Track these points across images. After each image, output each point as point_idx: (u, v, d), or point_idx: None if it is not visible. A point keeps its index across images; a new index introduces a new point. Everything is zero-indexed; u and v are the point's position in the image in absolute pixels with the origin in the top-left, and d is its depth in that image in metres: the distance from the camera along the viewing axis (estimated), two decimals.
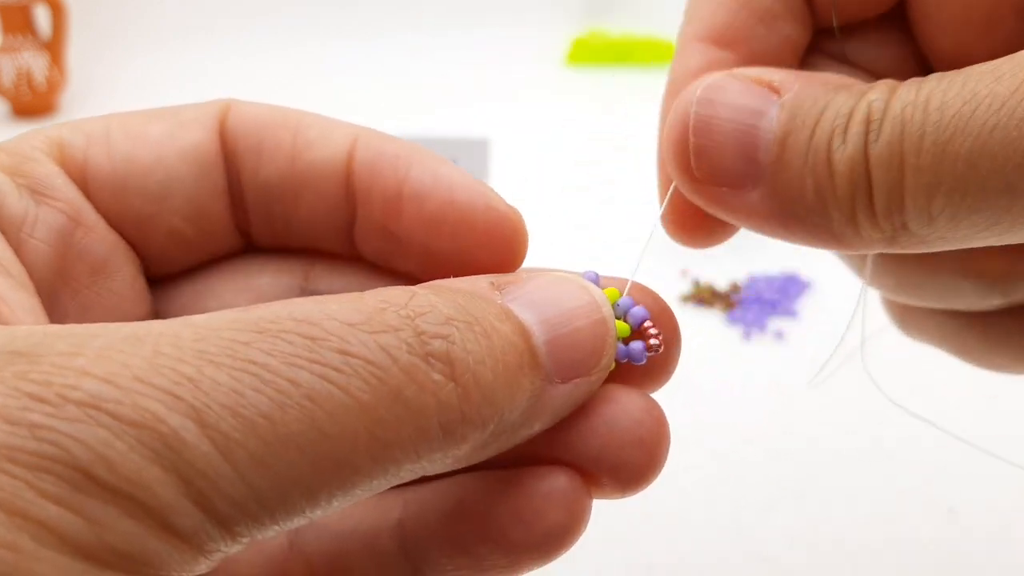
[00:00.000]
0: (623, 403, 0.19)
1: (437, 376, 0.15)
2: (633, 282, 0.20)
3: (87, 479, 0.13)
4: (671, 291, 0.55)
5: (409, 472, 0.16)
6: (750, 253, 0.57)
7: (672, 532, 0.37)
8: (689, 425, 0.44)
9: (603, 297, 0.19)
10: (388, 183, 0.21)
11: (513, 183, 0.65)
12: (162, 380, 0.14)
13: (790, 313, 0.53)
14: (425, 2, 0.95)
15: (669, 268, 0.57)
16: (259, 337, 0.14)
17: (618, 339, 0.19)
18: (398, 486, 0.19)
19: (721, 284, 0.55)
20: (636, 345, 0.19)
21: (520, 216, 0.21)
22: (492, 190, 0.21)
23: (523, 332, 0.17)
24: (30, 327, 0.15)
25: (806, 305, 0.54)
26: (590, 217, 0.63)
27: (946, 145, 0.18)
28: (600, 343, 0.18)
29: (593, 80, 0.88)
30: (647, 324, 0.19)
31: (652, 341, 0.19)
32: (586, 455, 0.19)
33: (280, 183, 0.21)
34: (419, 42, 0.92)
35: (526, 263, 0.22)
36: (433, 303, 0.16)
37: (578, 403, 0.19)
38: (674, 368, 0.21)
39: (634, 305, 0.20)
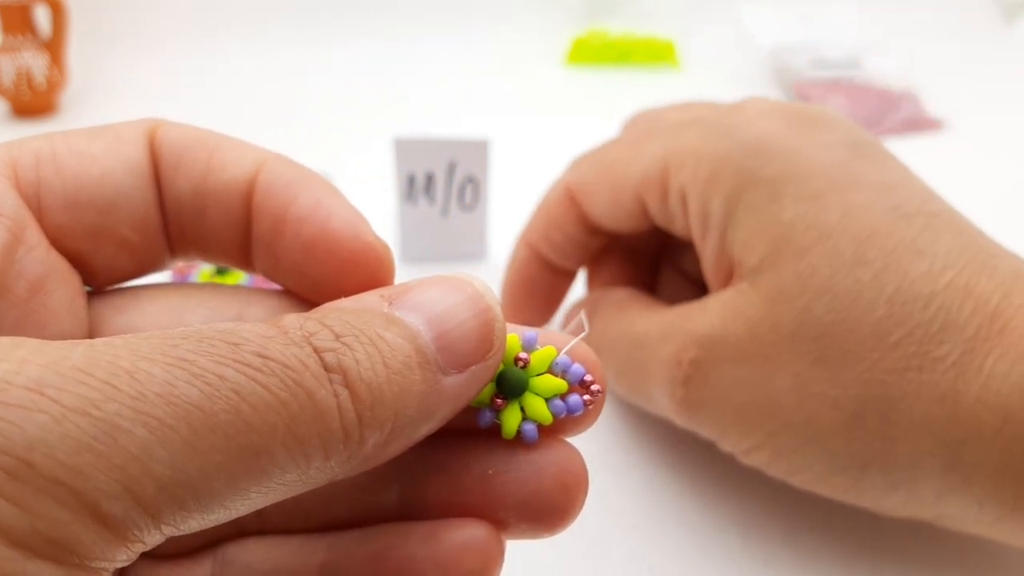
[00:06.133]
0: (549, 450, 0.21)
1: (337, 384, 0.17)
2: (565, 338, 0.22)
3: (24, 465, 0.14)
4: None
5: (318, 471, 0.17)
6: None
7: (673, 532, 0.37)
8: None
9: (486, 287, 0.20)
10: (277, 206, 0.22)
11: (513, 183, 0.65)
12: (100, 371, 0.15)
13: None
14: (425, 2, 0.95)
15: None
16: (186, 341, 0.16)
17: (556, 396, 0.21)
18: (322, 532, 0.21)
19: None
20: (575, 399, 0.21)
21: (388, 249, 0.23)
22: (367, 223, 0.22)
23: (409, 334, 0.19)
24: None
25: None
26: None
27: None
28: (488, 329, 0.20)
29: (593, 80, 0.88)
30: (588, 378, 0.21)
31: (595, 388, 0.21)
32: (512, 497, 0.20)
33: (192, 198, 0.23)
34: (419, 42, 0.92)
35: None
36: (323, 324, 0.18)
37: (480, 386, 0.20)
38: (597, 417, 0.22)
39: (572, 363, 0.21)
